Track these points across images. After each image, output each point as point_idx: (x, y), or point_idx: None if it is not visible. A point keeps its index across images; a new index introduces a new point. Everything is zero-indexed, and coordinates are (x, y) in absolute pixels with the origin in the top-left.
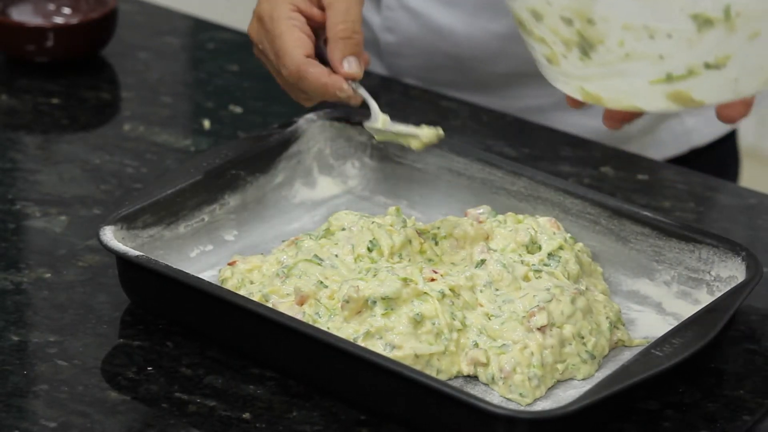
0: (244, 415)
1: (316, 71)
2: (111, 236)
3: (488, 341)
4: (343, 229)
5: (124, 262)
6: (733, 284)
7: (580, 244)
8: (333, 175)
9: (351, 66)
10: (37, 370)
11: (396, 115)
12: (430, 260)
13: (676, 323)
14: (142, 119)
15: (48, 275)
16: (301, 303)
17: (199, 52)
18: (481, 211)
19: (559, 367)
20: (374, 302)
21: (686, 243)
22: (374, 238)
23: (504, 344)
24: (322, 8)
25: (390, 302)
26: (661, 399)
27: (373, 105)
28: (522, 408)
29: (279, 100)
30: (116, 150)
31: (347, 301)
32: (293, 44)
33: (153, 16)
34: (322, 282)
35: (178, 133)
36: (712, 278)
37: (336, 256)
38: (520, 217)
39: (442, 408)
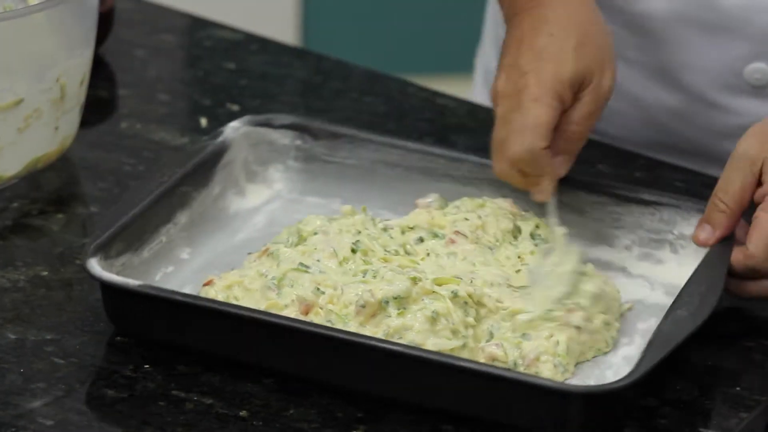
0: (241, 413)
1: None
2: (101, 270)
3: (506, 331)
4: (316, 234)
5: (124, 293)
6: None
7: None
8: (257, 182)
9: (560, 168)
10: (35, 368)
11: (392, 113)
12: (413, 259)
13: (648, 285)
14: (139, 117)
15: (45, 273)
16: (306, 312)
17: (196, 50)
18: (431, 199)
19: (588, 354)
20: (387, 302)
21: (646, 206)
22: (358, 240)
23: (524, 334)
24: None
25: (402, 302)
26: (659, 396)
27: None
28: (579, 383)
29: (276, 99)
30: (113, 148)
31: (363, 306)
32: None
33: (150, 13)
34: (318, 288)
35: (175, 130)
36: (675, 237)
37: (318, 261)
38: (479, 201)
39: (494, 391)
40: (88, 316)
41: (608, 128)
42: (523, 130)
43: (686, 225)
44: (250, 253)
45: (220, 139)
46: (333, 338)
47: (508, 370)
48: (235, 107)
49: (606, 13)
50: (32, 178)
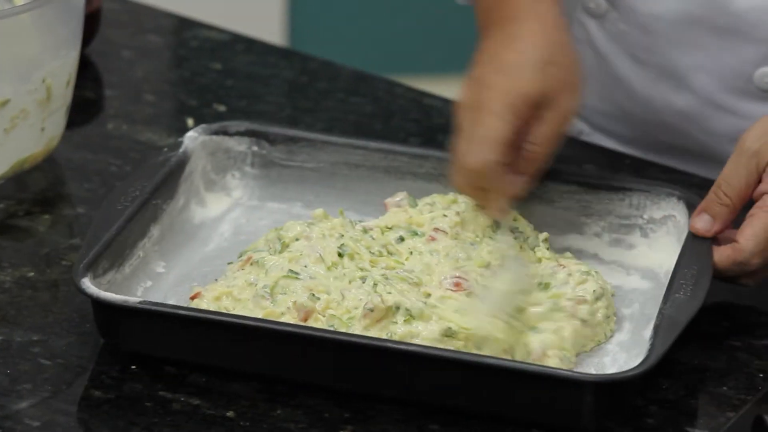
0: (228, 414)
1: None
2: (96, 288)
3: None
4: (298, 240)
5: (124, 311)
6: (671, 223)
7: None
8: (216, 190)
9: (517, 187)
10: (21, 369)
11: (379, 113)
12: (398, 259)
13: (623, 270)
14: (126, 118)
15: (31, 274)
16: (305, 319)
17: (182, 50)
18: (399, 198)
19: (587, 346)
20: (397, 308)
21: (615, 193)
22: (343, 244)
23: (532, 327)
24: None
25: (410, 314)
26: (645, 395)
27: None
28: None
29: (262, 99)
30: (100, 148)
31: (371, 309)
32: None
33: (137, 14)
34: (314, 294)
35: (161, 131)
36: (645, 221)
37: (305, 267)
38: (451, 197)
39: (511, 385)
40: (75, 317)
41: (621, 130)
42: (479, 143)
43: (656, 209)
44: (230, 263)
45: (182, 149)
46: (366, 346)
47: (526, 363)
48: (222, 107)
49: (618, 12)
50: (18, 178)
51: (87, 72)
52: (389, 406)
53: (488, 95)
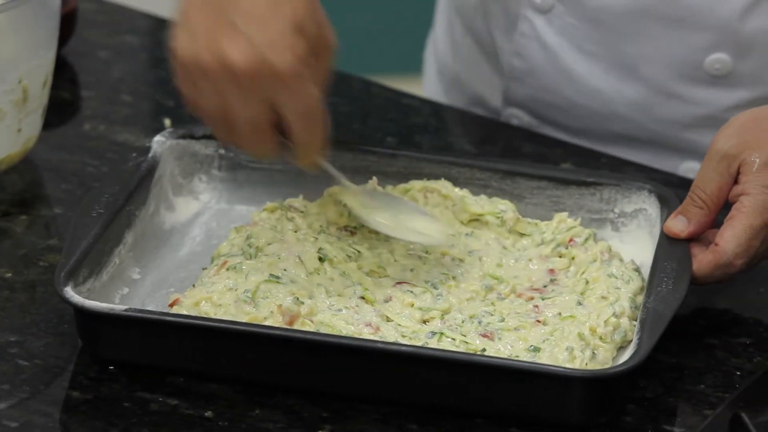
0: (206, 414)
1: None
2: (81, 297)
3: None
4: (270, 244)
5: (112, 320)
6: (642, 216)
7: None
8: (184, 194)
9: None
10: None
11: (356, 113)
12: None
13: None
14: (103, 118)
15: (9, 275)
16: (290, 323)
17: (159, 50)
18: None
19: None
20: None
21: (586, 188)
22: (321, 248)
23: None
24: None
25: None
26: (623, 393)
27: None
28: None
29: None
30: (77, 149)
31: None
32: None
33: (113, 14)
34: (298, 298)
35: (139, 132)
36: (616, 215)
37: (285, 270)
38: (417, 184)
39: (513, 383)
40: (52, 317)
41: (570, 122)
42: (318, 103)
43: (627, 203)
44: (204, 269)
45: (150, 154)
46: (356, 347)
47: (513, 360)
48: None
49: (565, 6)
50: None
51: (63, 73)
52: (367, 405)
53: (279, 56)
